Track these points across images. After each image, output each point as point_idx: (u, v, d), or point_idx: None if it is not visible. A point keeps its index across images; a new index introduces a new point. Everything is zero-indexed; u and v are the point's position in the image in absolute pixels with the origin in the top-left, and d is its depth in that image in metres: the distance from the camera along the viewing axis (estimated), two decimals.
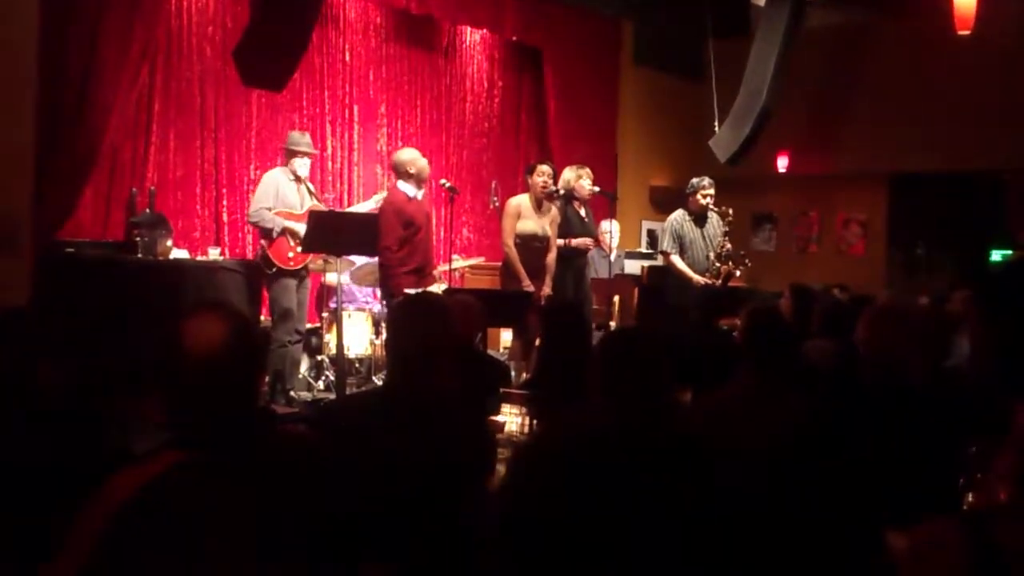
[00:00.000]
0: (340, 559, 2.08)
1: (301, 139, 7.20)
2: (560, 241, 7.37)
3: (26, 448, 2.23)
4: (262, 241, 6.97)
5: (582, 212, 7.56)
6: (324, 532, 2.02)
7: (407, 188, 6.95)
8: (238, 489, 1.93)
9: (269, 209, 6.89)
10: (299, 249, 6.86)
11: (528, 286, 7.07)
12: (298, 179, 7.09)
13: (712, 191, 7.94)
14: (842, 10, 11.30)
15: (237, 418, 2.00)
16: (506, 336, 8.01)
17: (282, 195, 6.96)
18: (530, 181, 7.40)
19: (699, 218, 7.96)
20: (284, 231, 6.85)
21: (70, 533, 1.88)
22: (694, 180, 8.06)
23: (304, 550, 1.96)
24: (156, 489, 1.87)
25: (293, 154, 7.07)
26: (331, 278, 7.69)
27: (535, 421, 4.28)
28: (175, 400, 1.99)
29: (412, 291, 6.92)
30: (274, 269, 6.88)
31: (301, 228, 6.78)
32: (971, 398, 3.70)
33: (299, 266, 6.96)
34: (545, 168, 7.41)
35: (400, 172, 6.98)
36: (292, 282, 6.96)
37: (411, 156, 7.06)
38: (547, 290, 7.30)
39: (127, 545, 1.82)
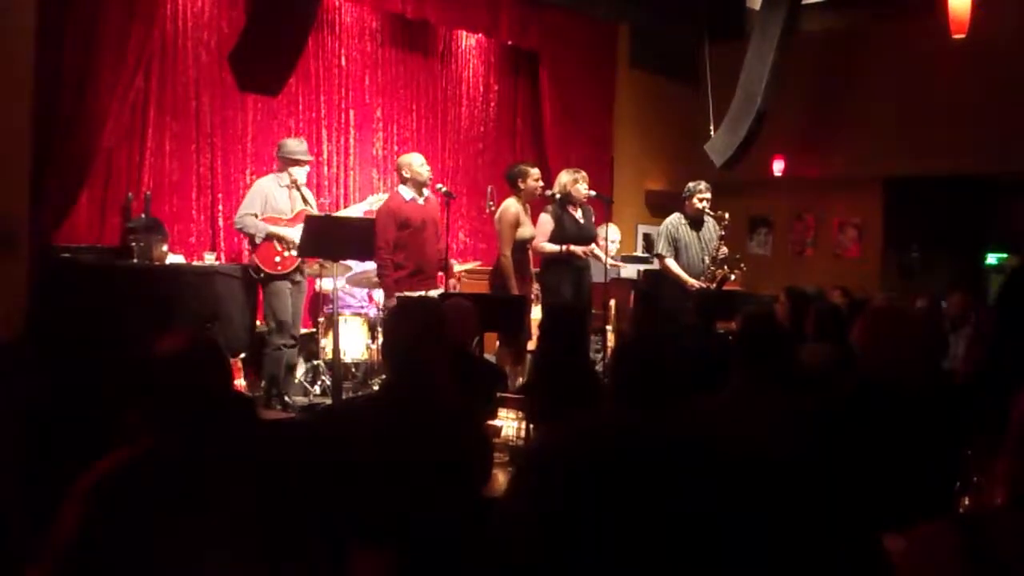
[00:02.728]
0: (332, 560, 2.10)
1: (298, 147, 7.18)
2: (556, 247, 7.36)
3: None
4: (249, 247, 7.01)
5: (578, 215, 7.55)
6: (315, 533, 2.03)
7: (404, 191, 7.18)
8: (212, 469, 1.97)
9: (255, 215, 6.90)
10: (287, 254, 6.87)
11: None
12: (291, 185, 7.07)
13: (708, 195, 7.96)
14: (837, 14, 11.33)
15: (210, 407, 2.08)
16: None
17: (271, 202, 6.97)
18: (523, 185, 7.41)
19: (695, 222, 7.97)
20: (269, 236, 6.86)
21: (58, 514, 1.93)
22: (690, 184, 8.07)
23: (277, 528, 2.00)
24: (128, 468, 1.93)
25: (291, 162, 7.06)
26: (326, 285, 7.72)
27: (532, 426, 4.28)
28: (151, 399, 2.07)
29: (411, 295, 6.97)
30: (261, 274, 6.90)
31: (287, 232, 6.80)
32: (967, 399, 3.70)
33: (287, 270, 6.95)
34: (537, 171, 7.51)
35: (399, 175, 7.27)
36: (285, 285, 6.95)
37: (407, 161, 7.27)
38: (537, 290, 7.52)
39: (103, 522, 1.87)
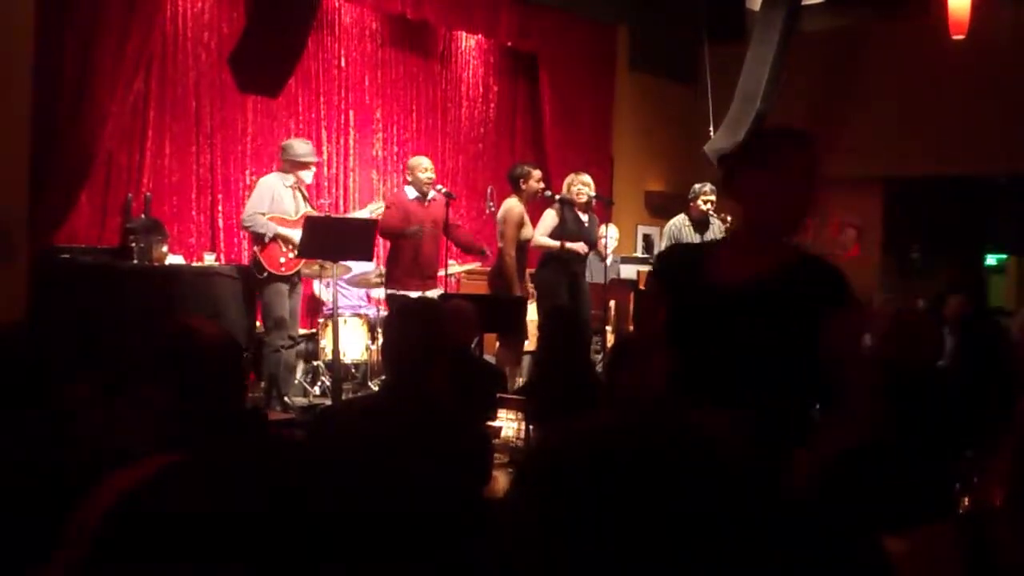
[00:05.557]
0: (332, 563, 2.08)
1: (304, 148, 7.17)
2: (553, 242, 7.38)
3: (21, 450, 2.23)
4: (255, 247, 7.01)
5: (583, 217, 7.56)
6: (316, 535, 2.02)
7: (408, 191, 7.43)
8: (231, 490, 1.93)
9: (263, 214, 6.89)
10: (291, 255, 6.88)
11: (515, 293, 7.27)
12: (295, 187, 7.09)
13: (713, 197, 7.96)
14: (837, 14, 11.33)
15: (228, 418, 2.02)
16: None
17: (277, 201, 6.97)
18: (524, 186, 7.45)
19: (700, 224, 7.98)
20: (276, 237, 6.86)
21: (65, 533, 1.88)
22: (696, 186, 8.07)
23: (296, 552, 1.97)
24: (151, 490, 1.88)
25: (298, 165, 7.07)
26: (321, 291, 7.81)
27: (532, 427, 4.28)
28: (177, 398, 1.99)
29: (410, 295, 7.00)
30: (265, 274, 6.89)
31: (293, 234, 6.80)
32: (966, 401, 3.71)
33: (291, 271, 6.96)
34: (540, 172, 7.57)
35: (407, 175, 7.57)
36: (284, 287, 6.96)
37: (414, 164, 7.52)
38: (532, 289, 7.70)
39: (121, 546, 1.83)
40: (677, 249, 3.08)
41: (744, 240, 2.51)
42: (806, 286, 2.39)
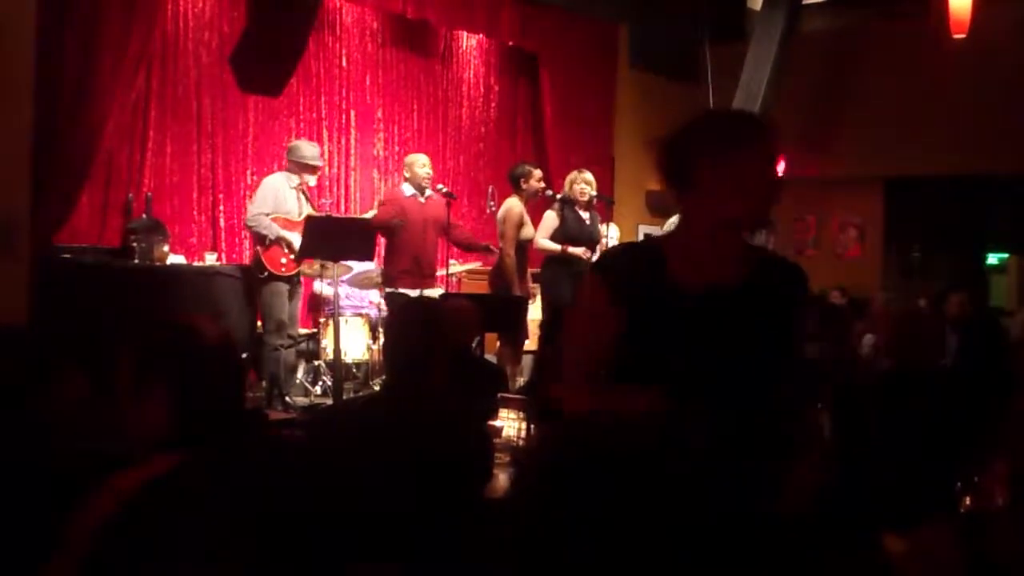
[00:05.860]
0: (334, 562, 2.08)
1: (311, 151, 7.16)
2: (554, 245, 7.38)
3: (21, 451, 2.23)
4: (257, 247, 7.01)
5: (584, 216, 7.56)
6: (318, 534, 2.02)
7: (405, 187, 7.46)
8: (232, 490, 1.93)
9: (267, 215, 6.89)
10: (292, 257, 6.88)
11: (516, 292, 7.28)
12: (299, 187, 7.09)
13: None
14: (837, 14, 11.33)
15: (228, 418, 2.01)
16: None
17: (281, 201, 6.97)
18: (525, 185, 7.46)
19: None
20: (279, 239, 6.86)
21: (67, 533, 1.88)
22: None
23: (299, 552, 1.97)
24: (151, 491, 1.88)
25: (305, 167, 7.07)
26: (325, 290, 7.81)
27: (533, 426, 4.28)
28: (177, 397, 1.97)
29: (409, 293, 7.01)
30: (265, 274, 6.90)
31: (295, 238, 6.79)
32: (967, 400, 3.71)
33: (290, 273, 6.96)
34: (540, 171, 7.58)
35: (404, 171, 7.64)
36: (284, 287, 6.97)
37: (411, 160, 7.56)
38: (535, 289, 7.73)
39: (121, 546, 1.83)
40: (624, 250, 2.84)
41: (707, 236, 2.31)
42: (777, 286, 2.33)
